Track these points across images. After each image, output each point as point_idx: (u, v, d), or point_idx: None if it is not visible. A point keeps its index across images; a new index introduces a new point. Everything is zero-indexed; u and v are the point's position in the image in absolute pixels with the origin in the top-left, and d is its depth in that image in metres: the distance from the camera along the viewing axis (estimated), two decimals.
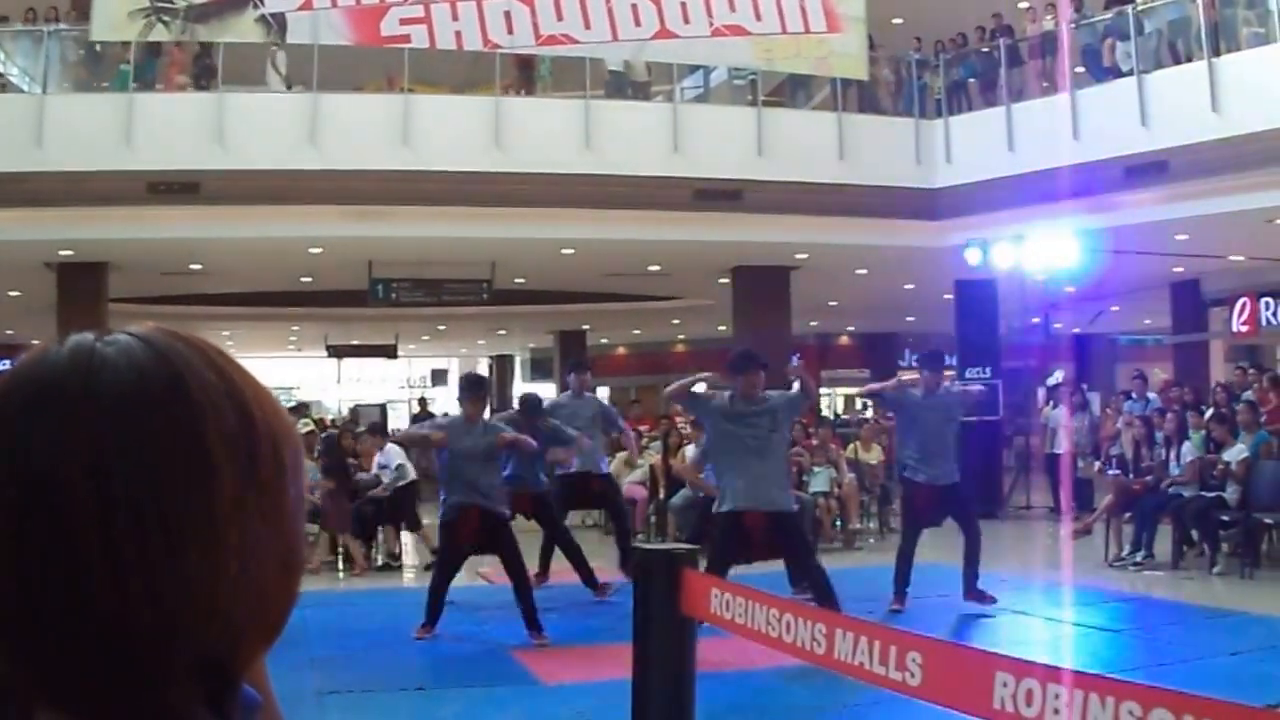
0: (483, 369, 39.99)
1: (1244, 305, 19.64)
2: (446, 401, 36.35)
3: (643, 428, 17.09)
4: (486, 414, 9.94)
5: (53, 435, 0.80)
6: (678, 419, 16.68)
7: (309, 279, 20.16)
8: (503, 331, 31.19)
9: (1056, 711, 2.71)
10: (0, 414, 0.82)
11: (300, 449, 0.90)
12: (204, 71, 15.52)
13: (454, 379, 40.45)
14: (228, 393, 0.85)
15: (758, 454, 8.46)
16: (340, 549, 13.35)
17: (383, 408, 32.49)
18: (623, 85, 16.86)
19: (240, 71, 15.76)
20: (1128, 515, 12.80)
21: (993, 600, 9.73)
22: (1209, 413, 13.86)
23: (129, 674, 0.80)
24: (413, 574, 13.38)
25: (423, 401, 28.26)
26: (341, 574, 12.89)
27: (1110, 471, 14.14)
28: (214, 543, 0.81)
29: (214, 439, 0.83)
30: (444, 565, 9.18)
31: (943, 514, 10.12)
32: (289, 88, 15.69)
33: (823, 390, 32.11)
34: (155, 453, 0.81)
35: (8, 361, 25.60)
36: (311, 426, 17.39)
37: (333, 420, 24.83)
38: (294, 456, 0.88)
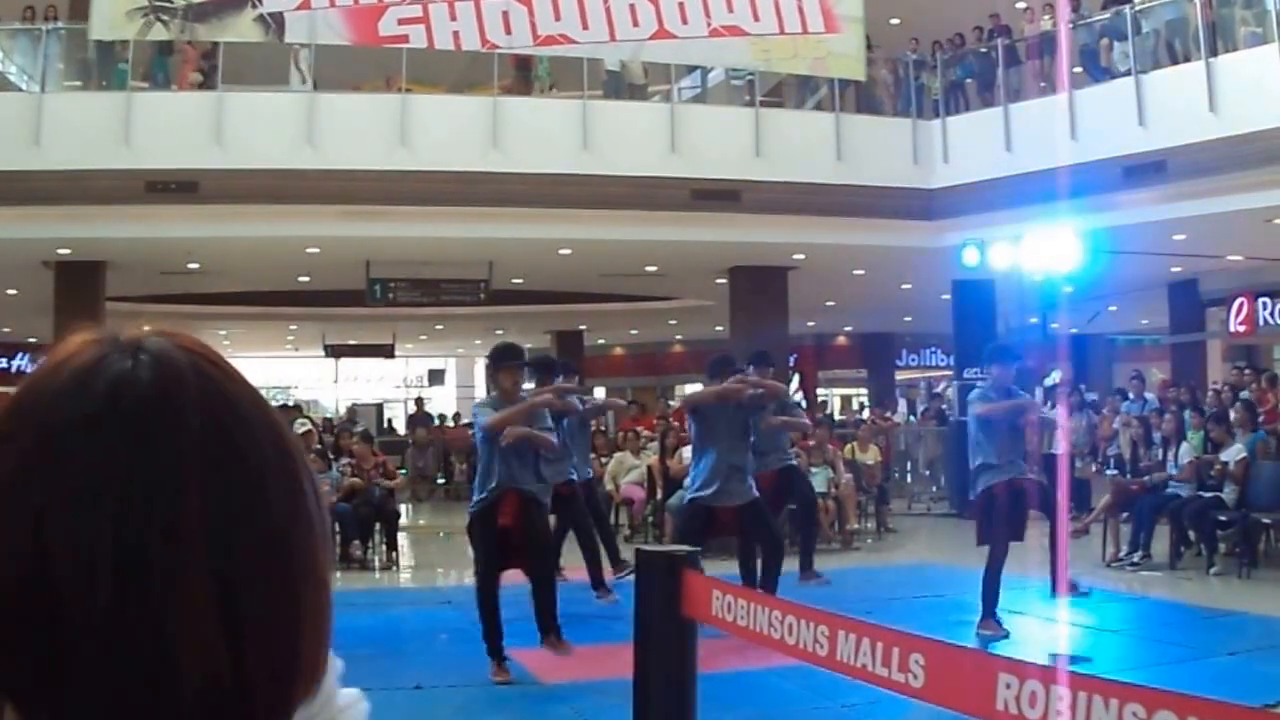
0: (480, 369, 40.01)
1: (1241, 305, 19.66)
2: (443, 401, 36.41)
3: (641, 429, 17.04)
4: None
5: (168, 456, 0.77)
6: (675, 420, 16.67)
7: (306, 278, 20.16)
8: (500, 331, 31.11)
9: (1059, 713, 2.70)
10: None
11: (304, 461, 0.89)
12: (216, 70, 15.57)
13: (451, 379, 40.54)
14: (269, 425, 0.84)
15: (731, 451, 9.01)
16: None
17: (379, 407, 32.49)
18: (619, 86, 16.86)
19: (260, 70, 15.81)
20: (1125, 515, 12.81)
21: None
22: (1209, 413, 13.87)
23: None
24: (409, 574, 13.38)
25: (419, 401, 28.25)
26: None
27: (1108, 471, 14.15)
28: (312, 592, 0.82)
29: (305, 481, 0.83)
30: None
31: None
32: (314, 87, 15.69)
33: (820, 390, 32.18)
34: (270, 491, 0.80)
35: (6, 361, 25.59)
36: (309, 426, 17.37)
37: (328, 419, 24.84)
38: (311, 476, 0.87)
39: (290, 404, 21.82)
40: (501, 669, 7.81)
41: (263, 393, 0.88)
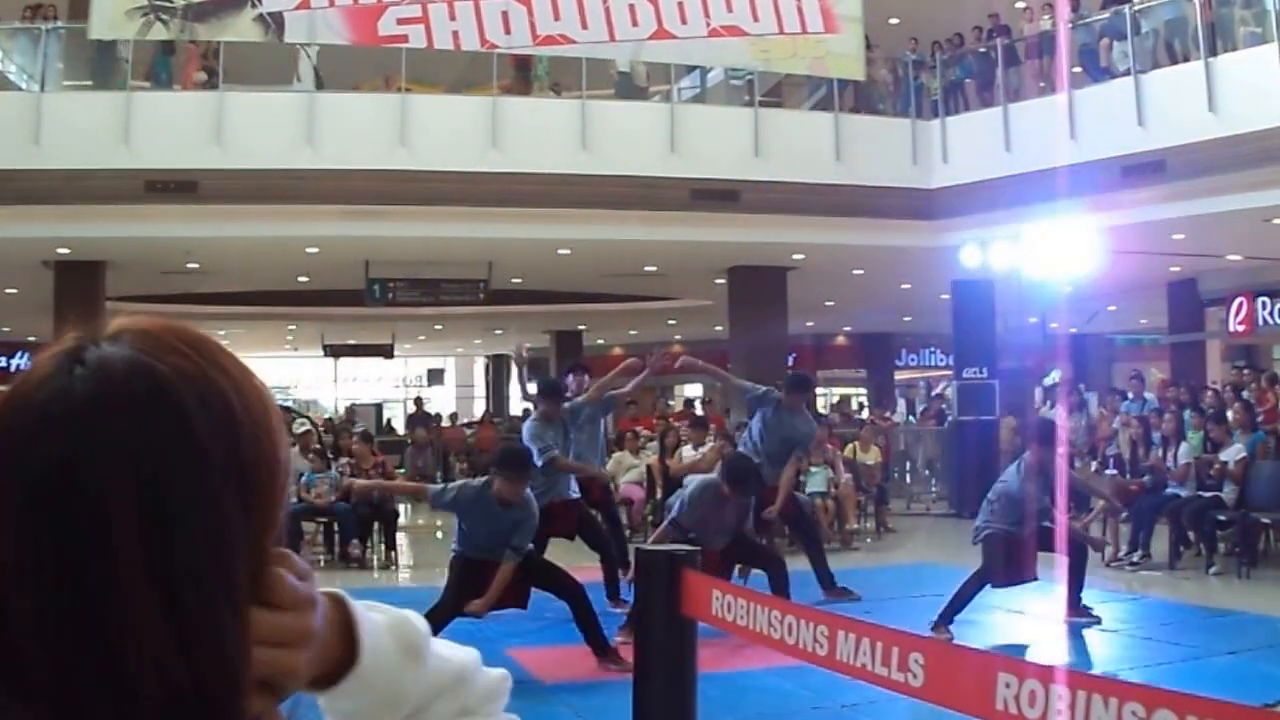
0: (479, 369, 40.07)
1: (1241, 305, 19.68)
2: (442, 401, 36.45)
3: (640, 429, 17.05)
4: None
5: (98, 459, 0.77)
6: (675, 420, 16.69)
7: (306, 278, 20.18)
8: (499, 331, 31.20)
9: (1059, 713, 2.71)
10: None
11: (288, 472, 0.88)
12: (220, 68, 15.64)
13: (450, 379, 40.57)
14: (222, 408, 0.82)
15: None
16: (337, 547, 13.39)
17: (379, 407, 32.52)
18: (629, 87, 16.89)
19: (264, 69, 15.83)
20: (1125, 515, 12.82)
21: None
22: (1209, 413, 13.87)
23: None
24: (407, 574, 13.40)
25: (419, 401, 28.27)
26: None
27: (1107, 471, 14.16)
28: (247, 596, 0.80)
29: (215, 460, 0.80)
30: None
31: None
32: (320, 85, 15.71)
33: (819, 390, 32.16)
34: (200, 485, 0.79)
35: (5, 360, 25.63)
36: (308, 426, 17.37)
37: (328, 419, 24.84)
38: (284, 469, 0.86)
39: (289, 405, 21.82)
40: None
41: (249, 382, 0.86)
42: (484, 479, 7.97)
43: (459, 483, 8.18)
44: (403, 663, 1.02)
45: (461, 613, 7.78)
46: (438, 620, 7.63)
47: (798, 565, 10.30)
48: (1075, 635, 9.11)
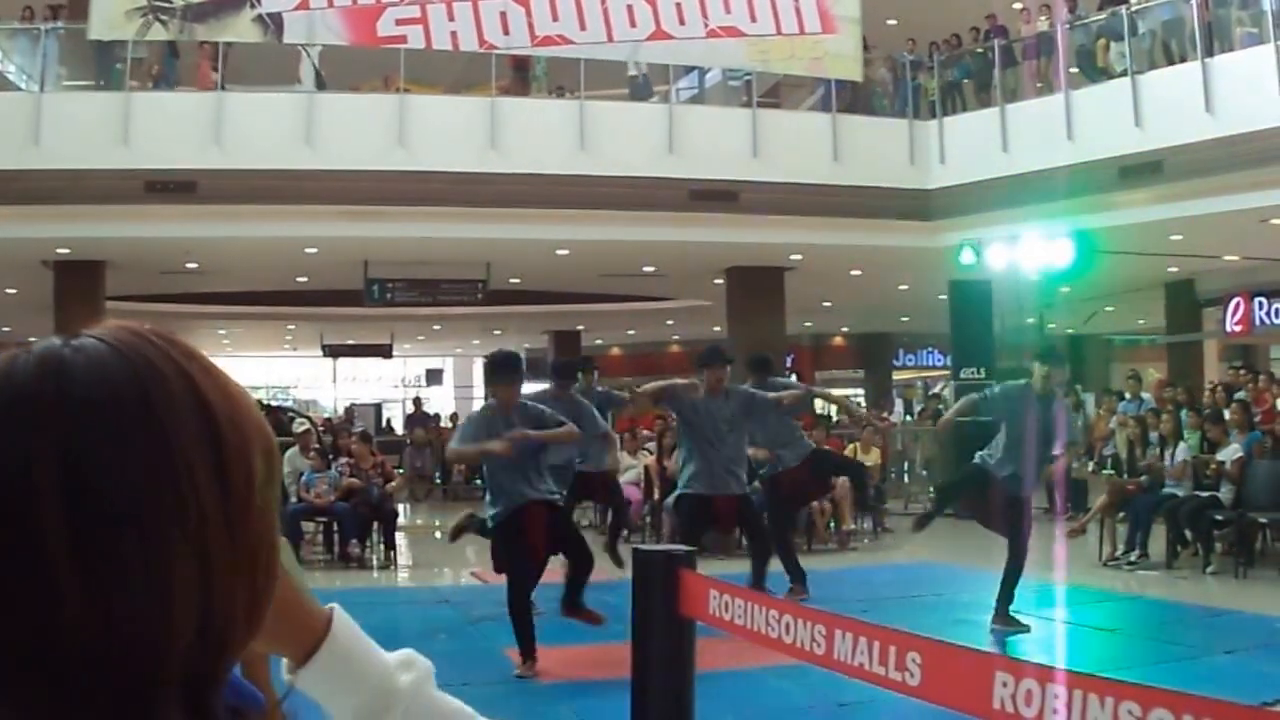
0: (478, 369, 40.00)
1: (1238, 305, 19.73)
2: (441, 401, 36.44)
3: (639, 429, 17.07)
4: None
5: (22, 445, 0.76)
6: (673, 420, 16.67)
7: (305, 278, 20.20)
8: (498, 331, 31.21)
9: (1055, 711, 2.71)
10: None
11: (274, 457, 0.88)
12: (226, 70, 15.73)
13: (449, 379, 40.55)
14: (197, 403, 0.82)
15: (714, 444, 9.07)
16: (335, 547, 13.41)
17: (378, 407, 32.54)
18: (646, 88, 16.95)
19: (268, 69, 15.88)
20: (1122, 515, 12.85)
21: None
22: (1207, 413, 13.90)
23: (114, 705, 0.77)
24: (406, 573, 13.42)
25: (417, 401, 28.30)
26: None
27: (1105, 471, 14.19)
28: (194, 551, 0.79)
29: (184, 445, 0.80)
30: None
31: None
32: (321, 87, 15.74)
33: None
34: (127, 460, 0.78)
35: None
36: (307, 426, 17.39)
37: (328, 419, 24.87)
38: (268, 467, 0.86)
39: (287, 404, 21.84)
40: (529, 664, 7.84)
41: (211, 380, 0.85)
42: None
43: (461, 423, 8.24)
44: (372, 650, 1.08)
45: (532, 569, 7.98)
46: (519, 597, 7.84)
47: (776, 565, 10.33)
48: (1069, 636, 9.12)
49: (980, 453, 9.39)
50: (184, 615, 0.78)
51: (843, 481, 14.90)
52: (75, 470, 0.76)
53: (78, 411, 0.78)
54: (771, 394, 10.03)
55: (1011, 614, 8.93)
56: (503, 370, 8.05)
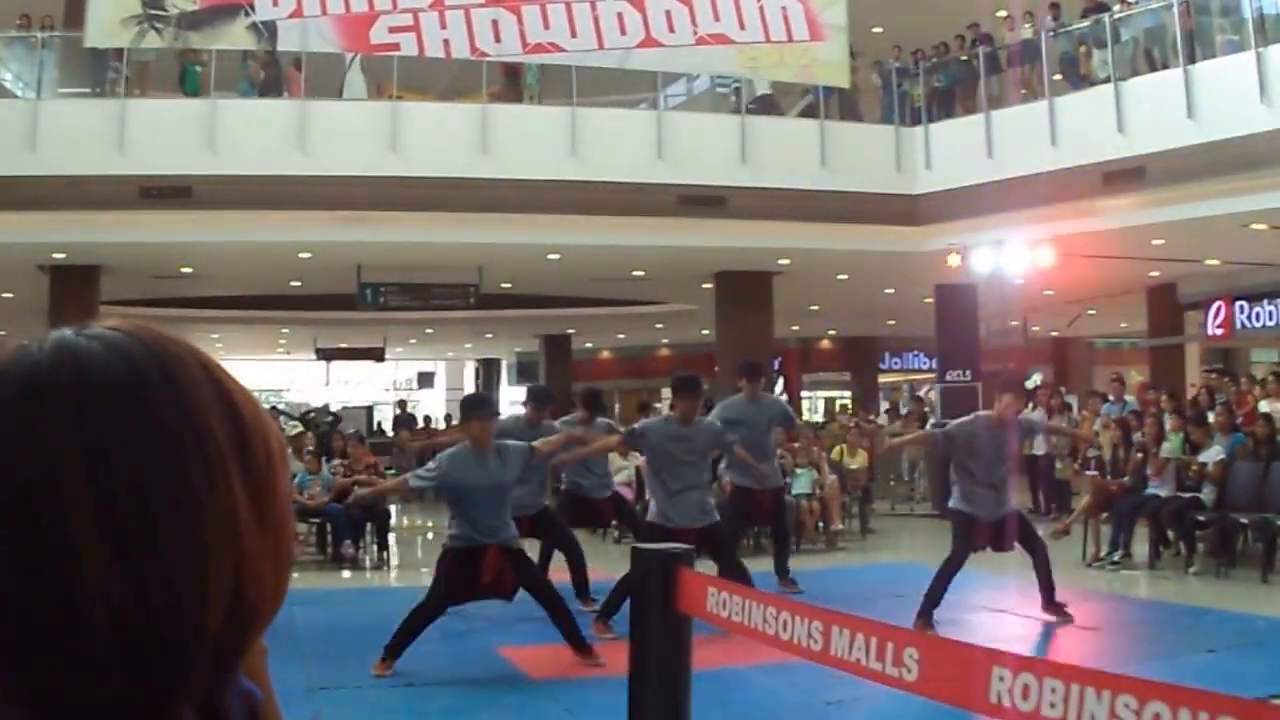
0: (469, 372, 40.07)
1: (1219, 309, 19.91)
2: (433, 404, 36.48)
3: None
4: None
5: (45, 432, 0.78)
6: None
7: (298, 283, 20.26)
8: (489, 335, 31.30)
9: (1053, 705, 2.72)
10: None
11: (283, 445, 0.90)
12: (270, 81, 16.00)
13: (441, 382, 40.57)
14: (215, 385, 0.85)
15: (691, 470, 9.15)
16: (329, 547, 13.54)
17: (369, 410, 32.59)
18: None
19: (320, 80, 16.11)
20: (1105, 516, 12.99)
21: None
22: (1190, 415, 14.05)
23: (145, 684, 0.78)
24: (399, 573, 13.52)
25: (402, 404, 28.41)
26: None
27: (1088, 473, 14.33)
28: (221, 534, 0.80)
29: (211, 429, 0.82)
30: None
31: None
32: (368, 96, 15.91)
33: (804, 394, 32.36)
34: (155, 442, 0.79)
35: None
36: (300, 428, 17.50)
37: (306, 413, 24.87)
38: (279, 450, 0.88)
39: (279, 407, 21.89)
40: (387, 665, 7.77)
41: (205, 376, 0.86)
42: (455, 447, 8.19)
43: (434, 461, 8.19)
44: None
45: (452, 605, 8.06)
46: (429, 616, 7.85)
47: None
48: (1053, 634, 9.24)
49: (952, 499, 9.61)
50: (217, 580, 0.79)
51: (831, 482, 15.07)
52: (101, 453, 0.77)
53: (103, 395, 0.79)
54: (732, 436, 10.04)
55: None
56: (478, 407, 8.39)
